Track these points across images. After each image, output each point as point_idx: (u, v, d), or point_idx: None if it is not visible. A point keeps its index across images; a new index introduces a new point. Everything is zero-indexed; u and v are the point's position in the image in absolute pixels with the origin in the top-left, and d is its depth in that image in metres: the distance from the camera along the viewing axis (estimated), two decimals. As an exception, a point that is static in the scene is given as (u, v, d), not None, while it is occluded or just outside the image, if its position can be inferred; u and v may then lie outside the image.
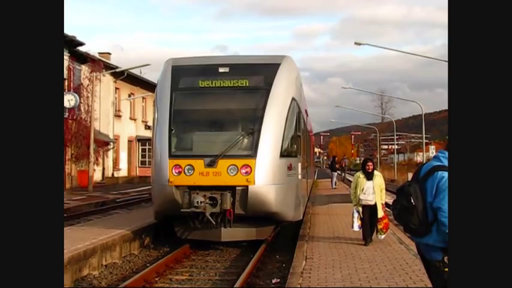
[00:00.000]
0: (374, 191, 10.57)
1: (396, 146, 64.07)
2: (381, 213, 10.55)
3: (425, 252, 4.20)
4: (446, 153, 4.18)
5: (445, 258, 3.95)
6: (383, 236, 10.73)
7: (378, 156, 76.94)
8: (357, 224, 10.68)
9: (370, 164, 10.95)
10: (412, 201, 4.18)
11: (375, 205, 10.55)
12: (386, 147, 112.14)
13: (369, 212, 10.59)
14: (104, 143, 35.96)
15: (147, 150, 41.82)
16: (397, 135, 63.21)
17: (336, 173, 32.44)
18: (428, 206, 4.05)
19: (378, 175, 10.86)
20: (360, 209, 10.64)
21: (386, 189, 11.72)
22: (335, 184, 31.43)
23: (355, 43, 31.97)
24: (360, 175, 10.80)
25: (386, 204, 11.17)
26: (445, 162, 4.13)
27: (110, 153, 38.18)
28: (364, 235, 10.68)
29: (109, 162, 38.22)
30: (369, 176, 10.70)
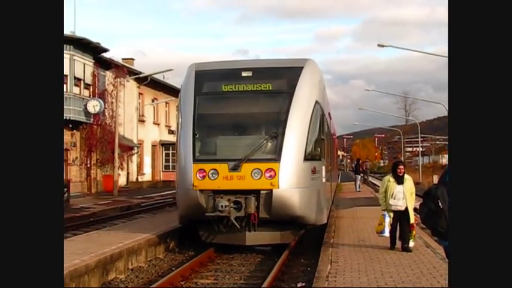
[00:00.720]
0: (405, 195, 10.11)
1: (421, 149, 63.37)
2: (413, 219, 10.16)
3: None
4: None
5: None
6: (413, 243, 10.29)
7: (403, 158, 76.18)
8: (387, 229, 10.23)
9: (401, 167, 10.40)
10: (440, 204, 4.14)
11: (405, 210, 10.14)
12: (410, 149, 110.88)
13: (397, 218, 10.21)
14: (128, 148, 36.31)
15: (170, 154, 42.15)
16: (421, 137, 62.55)
17: (359, 176, 32.18)
18: None
19: (408, 179, 10.34)
20: (392, 214, 10.20)
21: (412, 192, 11.51)
22: (359, 187, 31.19)
23: (379, 45, 31.81)
24: (390, 179, 10.31)
25: (414, 209, 10.91)
26: None
27: (134, 158, 38.53)
28: (391, 240, 10.36)
29: (133, 167, 38.56)
30: (400, 180, 10.21)
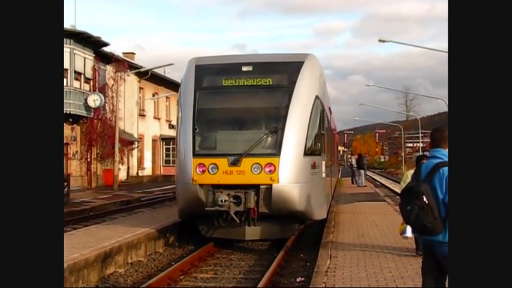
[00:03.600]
0: None
1: (421, 144, 63.30)
2: None
3: (438, 249, 4.24)
4: (441, 150, 4.39)
5: None
6: None
7: (403, 154, 76.24)
8: (410, 229, 8.68)
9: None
10: (425, 199, 4.22)
11: None
12: (411, 145, 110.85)
13: None
14: (128, 142, 36.31)
15: (171, 149, 42.16)
16: (422, 133, 62.46)
17: (362, 171, 31.95)
18: (441, 202, 4.14)
19: None
20: None
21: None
22: (361, 182, 30.90)
23: (380, 40, 31.72)
24: None
25: None
26: (445, 158, 4.29)
27: (135, 153, 38.54)
28: (417, 242, 9.28)
29: (134, 161, 38.58)
30: None
